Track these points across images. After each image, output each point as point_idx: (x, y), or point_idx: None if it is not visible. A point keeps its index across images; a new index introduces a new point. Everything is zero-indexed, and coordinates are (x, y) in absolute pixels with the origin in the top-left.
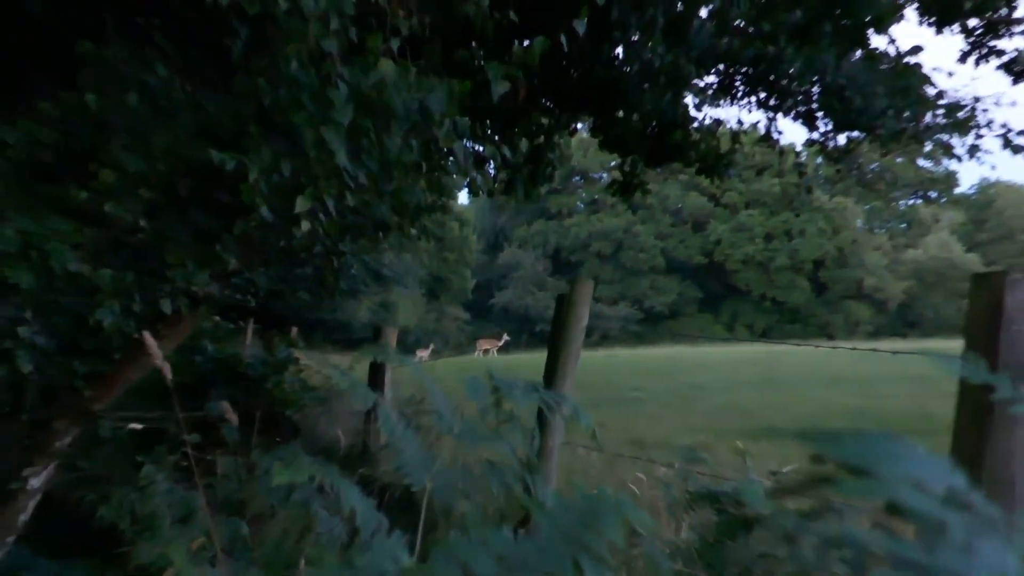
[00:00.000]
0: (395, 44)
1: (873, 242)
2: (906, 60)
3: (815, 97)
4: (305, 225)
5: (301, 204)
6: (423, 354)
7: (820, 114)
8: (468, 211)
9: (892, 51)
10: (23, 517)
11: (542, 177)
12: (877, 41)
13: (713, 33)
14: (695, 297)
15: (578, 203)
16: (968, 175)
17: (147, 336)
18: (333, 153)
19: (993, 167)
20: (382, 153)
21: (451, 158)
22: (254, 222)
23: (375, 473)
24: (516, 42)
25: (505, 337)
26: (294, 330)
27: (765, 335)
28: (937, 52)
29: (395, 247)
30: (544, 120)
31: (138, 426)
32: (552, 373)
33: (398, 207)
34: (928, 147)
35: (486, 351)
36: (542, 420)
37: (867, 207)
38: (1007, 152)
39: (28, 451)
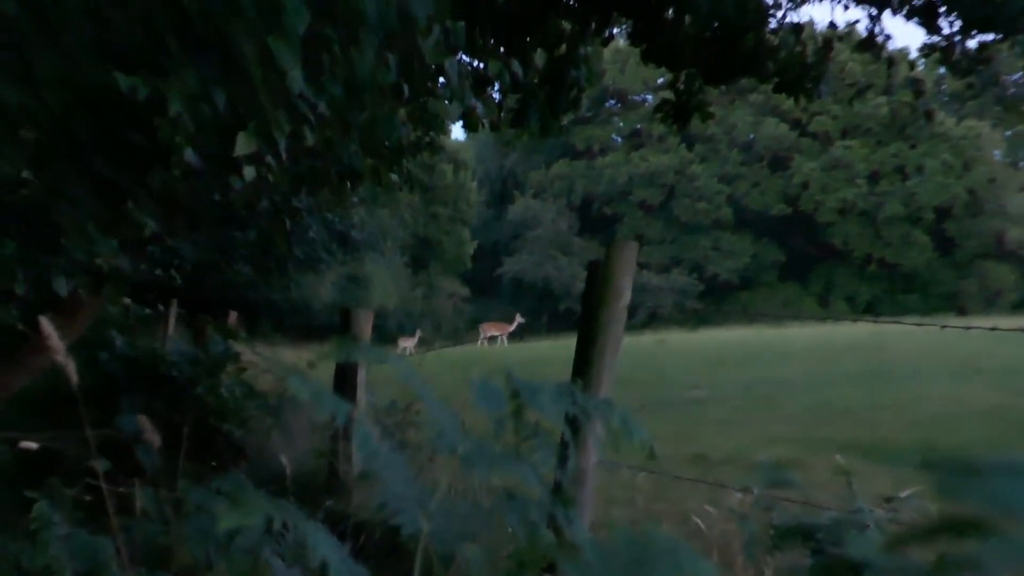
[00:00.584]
0: None
1: (1019, 180)
2: None
3: None
4: (248, 173)
5: (242, 145)
6: (408, 344)
7: (942, 9)
8: (466, 150)
9: None
10: None
11: (564, 102)
12: None
13: None
14: (775, 261)
15: (614, 136)
16: None
17: (44, 323)
18: (283, 74)
19: None
20: (349, 73)
21: (441, 79)
22: (177, 171)
23: (347, 508)
24: None
25: (518, 320)
26: (233, 316)
27: (871, 310)
28: None
29: (368, 201)
30: (567, 26)
31: (33, 445)
32: (584, 367)
33: (371, 146)
34: None
35: (492, 338)
36: (575, 433)
37: (1009, 133)
38: None
39: None
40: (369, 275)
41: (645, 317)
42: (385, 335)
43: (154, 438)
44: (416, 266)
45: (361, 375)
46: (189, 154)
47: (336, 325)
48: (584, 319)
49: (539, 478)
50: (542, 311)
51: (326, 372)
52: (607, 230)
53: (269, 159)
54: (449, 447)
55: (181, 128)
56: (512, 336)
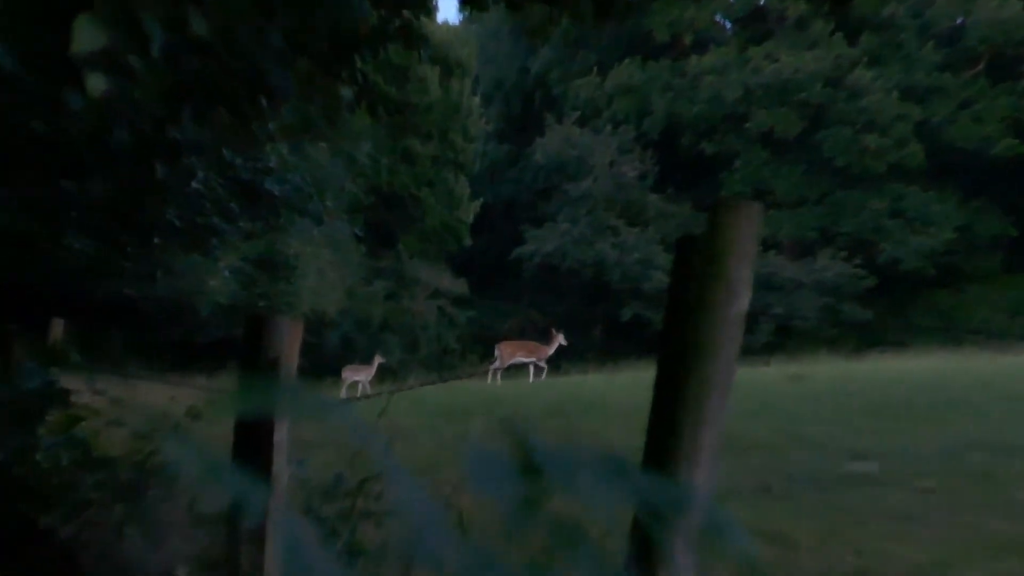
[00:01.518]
0: None
1: None
2: None
3: None
4: (94, 85)
5: (82, 37)
6: (360, 377)
7: None
8: (464, 45)
9: None
10: None
11: None
12: None
13: None
14: (998, 237)
15: (719, 19)
16: None
17: None
18: None
19: None
20: None
21: None
22: None
23: None
24: None
25: (558, 339)
26: (58, 326)
27: None
28: None
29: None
30: None
31: None
32: (667, 422)
33: (304, 36)
34: None
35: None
36: (642, 538)
37: None
38: None
39: None
40: (295, 258)
41: (770, 333)
42: (323, 362)
43: None
44: (377, 242)
45: (280, 434)
46: None
47: (237, 344)
48: (668, 336)
49: None
50: (592, 321)
51: (221, 425)
52: (706, 182)
53: (130, 60)
54: (431, 558)
55: None
56: (540, 369)
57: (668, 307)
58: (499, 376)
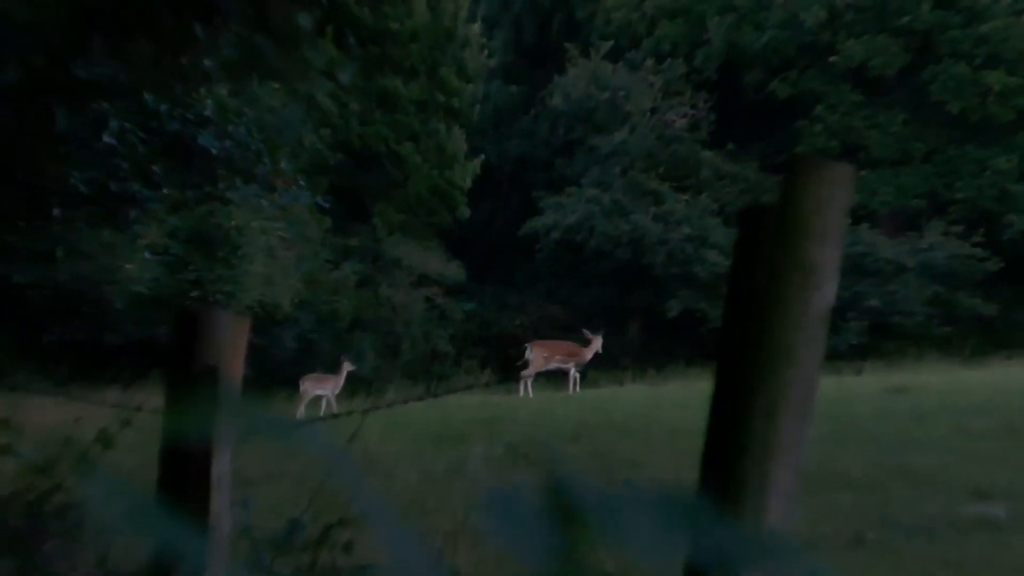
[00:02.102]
0: None
1: None
2: None
3: None
4: None
5: None
6: (324, 391)
7: None
8: None
9: None
10: None
11: None
12: None
13: None
14: None
15: None
16: None
17: None
18: None
19: None
20: None
21: None
22: None
23: None
24: None
25: (597, 344)
26: None
27: None
28: None
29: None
30: None
31: None
32: (728, 453)
33: None
34: None
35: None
36: None
37: None
38: None
39: None
40: (238, 235)
41: (862, 333)
42: (275, 370)
43: None
44: (346, 214)
45: (221, 466)
46: None
47: (161, 347)
48: (729, 338)
49: None
50: (628, 316)
51: (142, 455)
52: (778, 134)
53: None
54: None
55: None
56: (535, 377)
57: (728, 299)
58: (530, 386)
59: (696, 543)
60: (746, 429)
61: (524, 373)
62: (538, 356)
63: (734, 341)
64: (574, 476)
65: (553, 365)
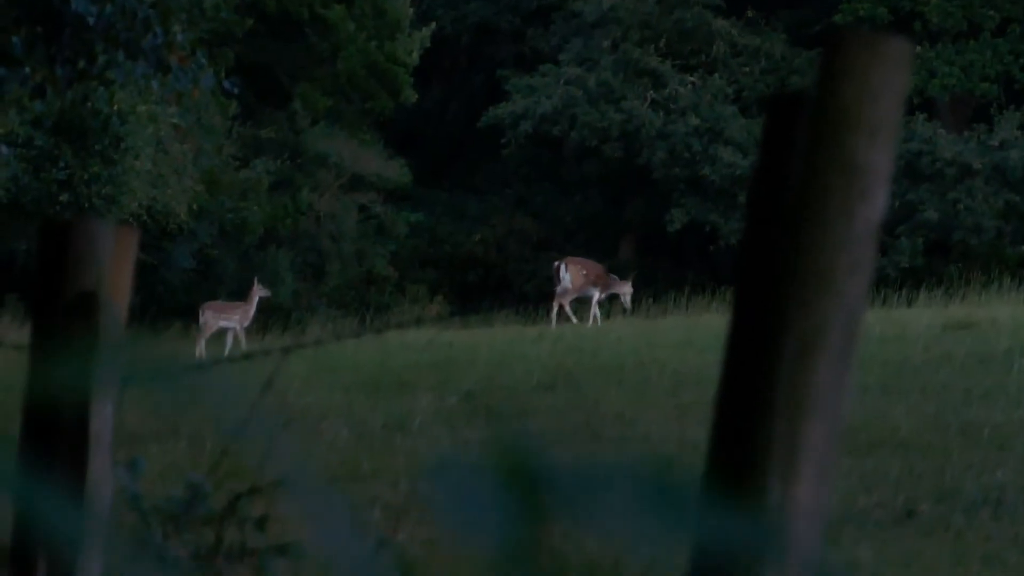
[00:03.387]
0: None
1: None
2: None
3: None
4: None
5: None
6: (229, 321)
7: None
8: None
9: None
10: None
11: None
12: None
13: None
14: None
15: None
16: None
17: None
18: None
19: None
20: None
21: None
22: None
23: None
24: None
25: (624, 287)
26: None
27: None
28: None
29: None
30: None
31: None
32: (748, 408)
33: None
34: None
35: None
36: None
37: None
38: None
39: None
40: (120, 124)
41: (917, 254)
42: (167, 296)
43: None
44: (258, 98)
45: (102, 419)
46: None
47: (22, 265)
48: (751, 261)
49: None
50: (618, 229)
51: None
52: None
53: None
54: None
55: None
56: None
57: (750, 211)
58: (569, 310)
59: (705, 530)
60: (772, 377)
61: (558, 297)
62: (576, 275)
63: (758, 264)
64: (539, 438)
65: (587, 289)
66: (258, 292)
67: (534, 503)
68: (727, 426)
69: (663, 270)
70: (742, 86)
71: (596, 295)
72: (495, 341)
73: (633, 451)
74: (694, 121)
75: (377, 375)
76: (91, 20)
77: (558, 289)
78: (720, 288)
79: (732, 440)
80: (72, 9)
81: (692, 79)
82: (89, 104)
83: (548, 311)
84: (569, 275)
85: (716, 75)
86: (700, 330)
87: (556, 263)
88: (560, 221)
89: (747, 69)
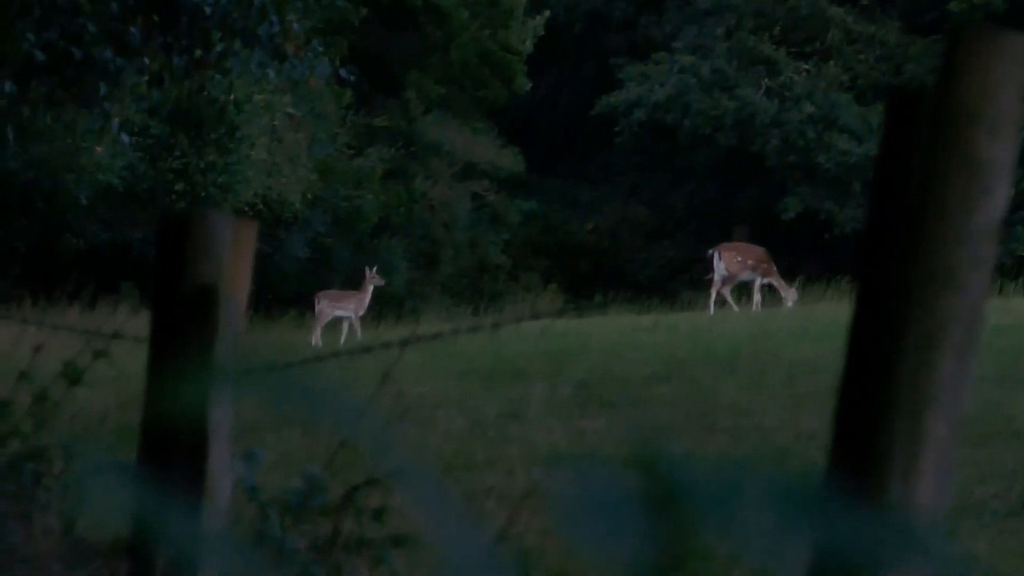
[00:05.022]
0: None
1: None
2: None
3: None
4: None
5: None
6: (344, 310)
7: None
8: None
9: None
10: None
11: None
12: None
13: None
14: None
15: None
16: None
17: None
18: None
19: None
20: None
21: None
22: None
23: None
24: None
25: (790, 294)
26: None
27: None
28: None
29: None
30: None
31: None
32: (869, 401)
33: None
34: None
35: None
36: None
37: None
38: None
39: None
40: (235, 113)
41: None
42: (281, 284)
43: None
44: (372, 86)
45: (223, 411)
46: None
47: (134, 253)
48: (871, 255)
49: None
50: (731, 217)
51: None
52: None
53: None
54: None
55: None
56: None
57: (871, 206)
58: (729, 296)
59: (823, 532)
60: (894, 373)
61: (716, 285)
62: (731, 261)
63: (879, 260)
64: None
65: (745, 274)
66: (372, 281)
67: (674, 512)
68: (847, 419)
69: (777, 259)
70: (857, 74)
71: (758, 280)
72: (608, 330)
73: (749, 442)
74: (808, 109)
75: (491, 364)
76: (207, 9)
77: (715, 277)
78: (835, 276)
79: (852, 434)
80: None
81: (806, 67)
82: (205, 93)
83: (706, 299)
84: (723, 263)
85: (831, 63)
86: (815, 319)
87: (709, 251)
88: (673, 209)
89: (862, 57)
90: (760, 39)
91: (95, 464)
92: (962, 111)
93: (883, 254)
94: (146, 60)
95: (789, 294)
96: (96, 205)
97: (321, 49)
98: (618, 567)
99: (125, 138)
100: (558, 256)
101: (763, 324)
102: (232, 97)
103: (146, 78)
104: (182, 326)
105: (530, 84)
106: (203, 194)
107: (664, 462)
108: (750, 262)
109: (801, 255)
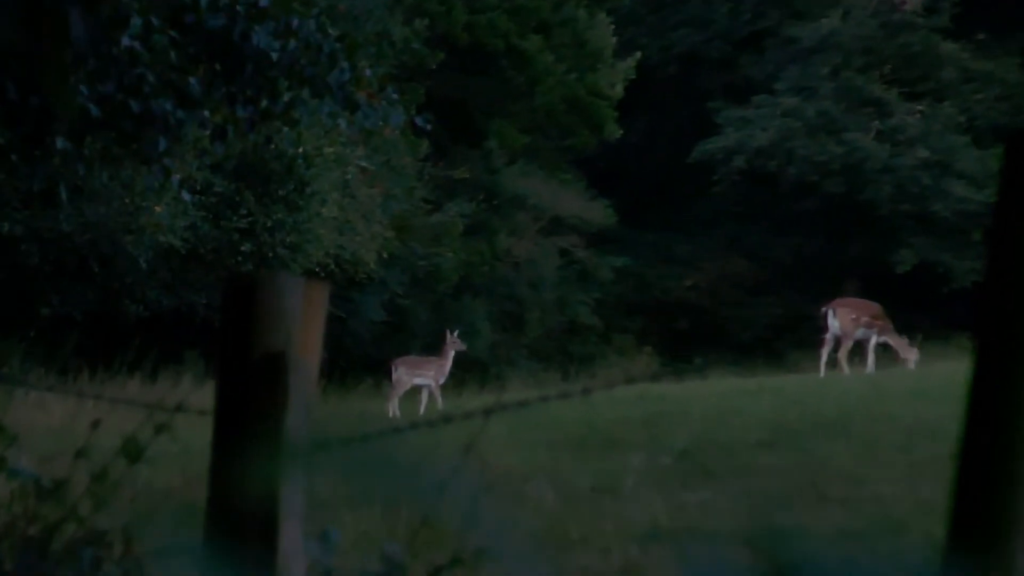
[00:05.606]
0: None
1: None
2: None
3: None
4: None
5: None
6: (424, 378)
7: None
8: None
9: None
10: None
11: None
12: None
13: None
14: None
15: None
16: None
17: None
18: None
19: None
20: None
21: None
22: None
23: None
24: None
25: (910, 352)
26: None
27: None
28: None
29: None
30: None
31: None
32: (992, 468)
33: None
34: None
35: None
36: None
37: None
38: None
39: None
40: (304, 167)
41: None
42: (355, 349)
43: None
44: (450, 136)
45: (294, 484)
46: None
47: (198, 319)
48: (993, 306)
49: None
50: (841, 269)
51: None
52: None
53: None
54: None
55: None
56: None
57: (989, 255)
58: (845, 358)
59: None
60: (1019, 433)
61: (828, 344)
62: (845, 319)
63: (999, 313)
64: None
65: (860, 332)
66: (453, 345)
67: None
68: (969, 491)
69: (891, 314)
70: (974, 114)
71: (873, 339)
72: (710, 394)
73: (863, 514)
74: (923, 153)
75: (583, 432)
76: (274, 56)
77: (827, 336)
78: (954, 333)
79: (975, 506)
80: (253, 44)
81: (920, 108)
82: (273, 146)
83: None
84: (838, 321)
85: (946, 103)
86: (933, 379)
87: (823, 308)
88: (777, 262)
89: (979, 96)
90: (869, 78)
91: (159, 547)
92: None
93: (1003, 308)
94: (208, 112)
95: (909, 353)
96: (157, 268)
97: (396, 97)
98: None
99: (187, 196)
100: (653, 315)
101: (877, 385)
102: (301, 150)
103: (208, 132)
104: (250, 397)
105: (621, 131)
106: (271, 255)
107: (776, 538)
108: (865, 319)
109: (916, 310)
